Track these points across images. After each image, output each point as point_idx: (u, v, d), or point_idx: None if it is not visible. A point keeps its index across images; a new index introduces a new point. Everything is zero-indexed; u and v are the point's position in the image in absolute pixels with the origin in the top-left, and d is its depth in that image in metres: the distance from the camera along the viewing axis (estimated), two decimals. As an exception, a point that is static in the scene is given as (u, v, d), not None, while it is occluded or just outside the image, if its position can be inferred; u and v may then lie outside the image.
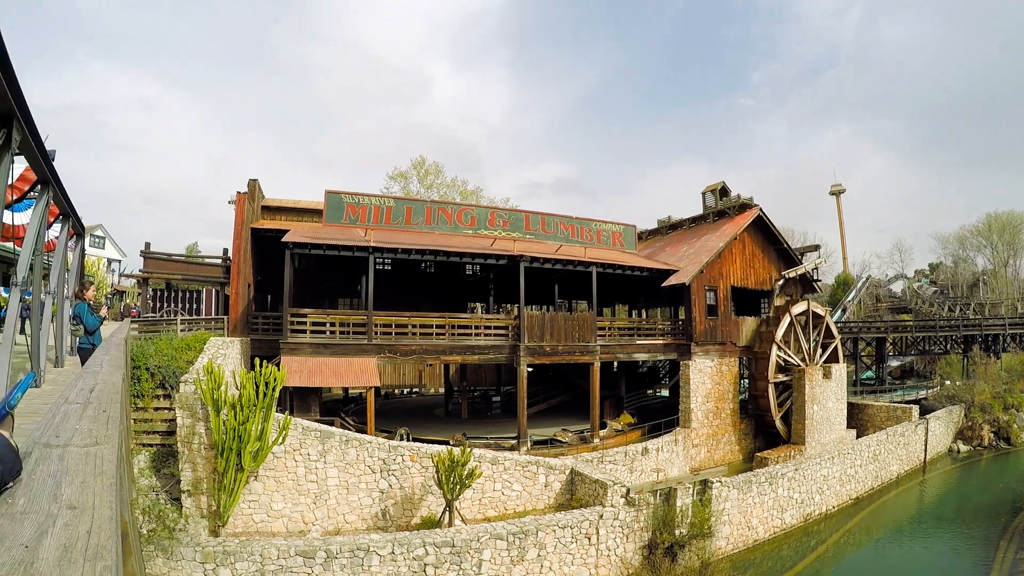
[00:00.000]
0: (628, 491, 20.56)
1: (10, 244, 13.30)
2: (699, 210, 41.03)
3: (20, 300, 9.58)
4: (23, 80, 7.22)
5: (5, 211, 9.47)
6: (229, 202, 33.34)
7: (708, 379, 33.32)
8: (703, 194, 40.75)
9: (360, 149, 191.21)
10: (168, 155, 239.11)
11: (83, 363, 12.81)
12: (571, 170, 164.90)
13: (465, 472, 18.97)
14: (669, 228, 43.69)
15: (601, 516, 19.63)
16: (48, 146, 11.17)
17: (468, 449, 19.55)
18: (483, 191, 68.27)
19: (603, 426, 30.73)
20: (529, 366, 29.10)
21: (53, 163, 12.20)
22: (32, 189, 11.97)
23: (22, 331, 13.90)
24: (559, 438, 28.76)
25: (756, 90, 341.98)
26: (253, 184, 31.95)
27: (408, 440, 24.17)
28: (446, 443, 23.00)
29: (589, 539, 19.29)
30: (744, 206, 37.17)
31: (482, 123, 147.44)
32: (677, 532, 20.62)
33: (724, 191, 39.65)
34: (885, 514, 29.85)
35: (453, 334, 27.95)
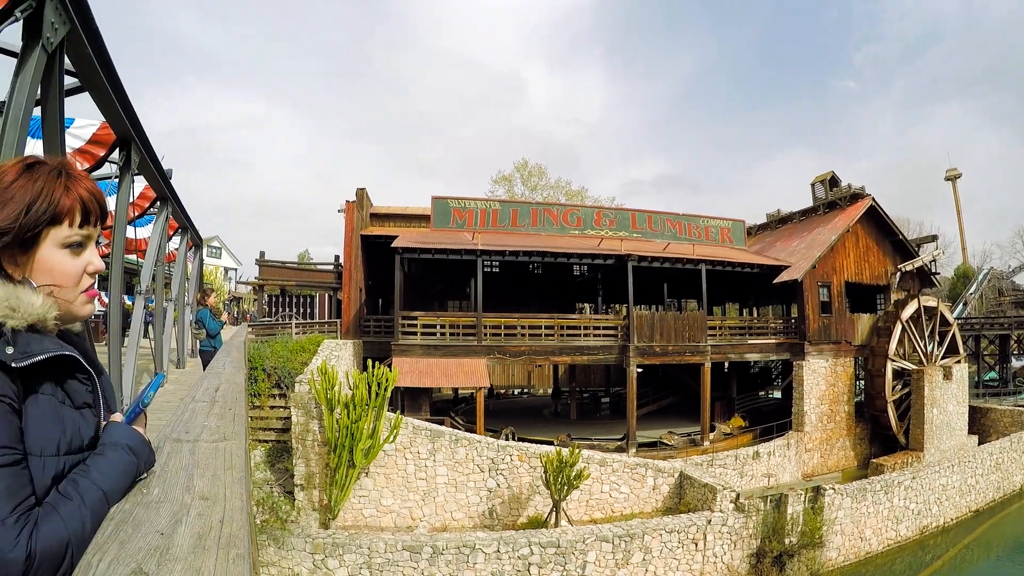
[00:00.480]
0: (737, 496, 19.93)
1: (133, 256, 13.97)
2: (808, 202, 38.80)
3: (144, 307, 10.20)
4: (138, 107, 8.13)
5: (128, 226, 10.18)
6: (339, 211, 34.17)
7: (822, 380, 31.68)
8: (812, 185, 38.64)
9: (462, 154, 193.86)
10: (277, 169, 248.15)
11: (205, 365, 13.43)
12: (672, 165, 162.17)
13: (573, 473, 18.75)
14: (778, 222, 41.84)
15: (709, 521, 19.07)
16: (165, 165, 11.94)
17: (577, 450, 19.33)
18: (587, 191, 67.67)
19: (712, 429, 29.87)
20: (638, 367, 28.68)
21: (170, 181, 13.00)
22: (152, 205, 12.87)
23: (146, 335, 14.60)
24: (665, 441, 28.22)
25: (859, 72, 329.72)
26: (361, 193, 32.76)
27: (513, 439, 24.18)
28: (551, 443, 22.87)
29: (696, 544, 18.79)
30: (855, 196, 35.08)
31: (579, 122, 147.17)
32: (787, 541, 19.83)
33: (834, 181, 37.56)
34: (1006, 529, 27.46)
35: (562, 335, 27.73)
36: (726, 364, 36.17)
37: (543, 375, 44.82)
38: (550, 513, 19.61)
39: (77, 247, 1.54)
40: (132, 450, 1.59)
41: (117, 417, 1.67)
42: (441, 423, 23.61)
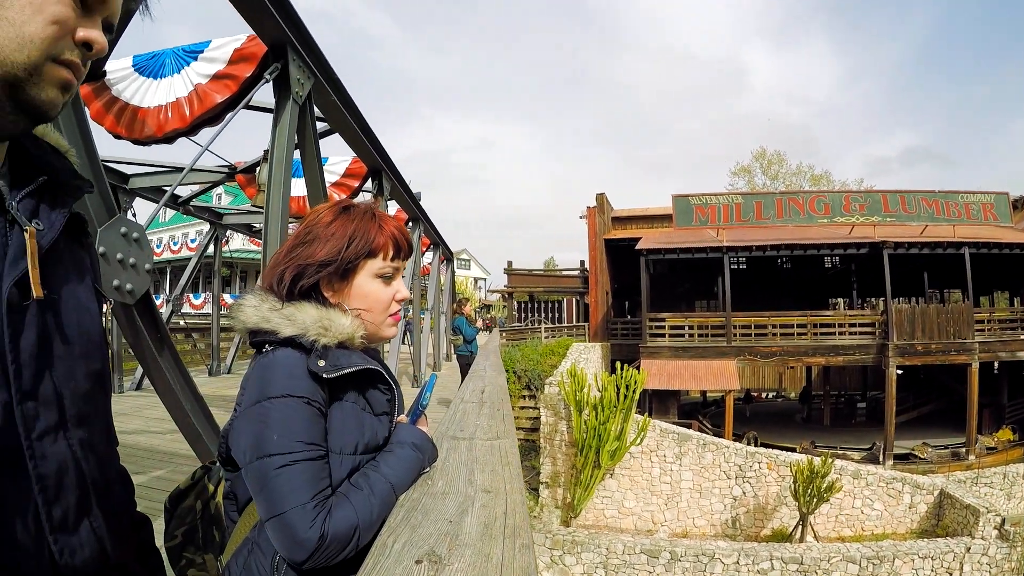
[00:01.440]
0: (1003, 521, 16.96)
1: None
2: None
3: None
4: (384, 140, 9.17)
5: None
6: (580, 217, 34.59)
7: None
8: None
9: (692, 149, 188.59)
10: (513, 181, 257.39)
11: (461, 368, 14.35)
12: (918, 137, 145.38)
13: (824, 485, 17.44)
14: (1052, 190, 35.80)
15: (968, 549, 16.55)
16: (413, 188, 12.97)
17: (829, 460, 18.00)
18: (830, 174, 62.76)
19: (974, 442, 25.85)
20: (898, 368, 25.69)
21: (419, 202, 14.05)
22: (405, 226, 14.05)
23: (403, 342, 15.79)
24: (917, 453, 24.95)
25: None
26: (601, 197, 33.06)
27: (755, 445, 23.19)
28: (793, 450, 21.74)
29: (950, 574, 16.54)
30: None
31: (809, 101, 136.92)
32: (1059, 580, 16.73)
33: None
34: None
35: (815, 333, 25.87)
36: (995, 365, 30.11)
37: (795, 377, 42.17)
38: (796, 526, 18.46)
39: (387, 278, 1.81)
40: (417, 447, 1.80)
41: (402, 419, 1.92)
42: (689, 426, 23.10)
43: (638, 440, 18.70)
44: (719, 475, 19.51)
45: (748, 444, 22.14)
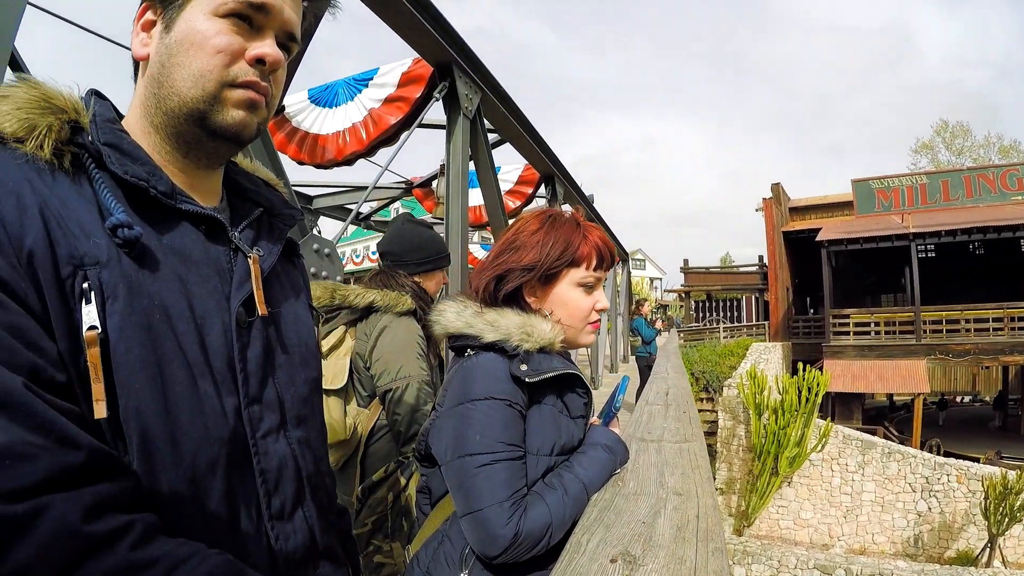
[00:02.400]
0: None
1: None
2: None
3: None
4: (554, 146, 9.35)
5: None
6: (756, 210, 33.66)
7: None
8: None
9: (865, 129, 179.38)
10: (681, 178, 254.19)
11: (640, 369, 14.31)
12: None
13: (1018, 503, 15.49)
14: None
15: None
16: (585, 191, 13.13)
17: None
18: (1020, 143, 56.04)
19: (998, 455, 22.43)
20: None
21: (593, 205, 14.18)
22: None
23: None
24: None
25: None
26: (777, 188, 31.99)
27: (939, 453, 21.23)
28: (977, 460, 19.67)
29: None
30: None
31: (986, 63, 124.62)
32: None
33: None
34: None
35: (1012, 328, 23.13)
36: None
37: (990, 379, 38.25)
38: (983, 549, 16.47)
39: (589, 287, 1.84)
40: (610, 448, 1.83)
41: (595, 421, 1.97)
42: (873, 433, 21.49)
43: (819, 447, 17.73)
44: (903, 487, 18.01)
45: (930, 451, 20.50)
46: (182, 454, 0.97)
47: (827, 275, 26.30)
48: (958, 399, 39.19)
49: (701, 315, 42.87)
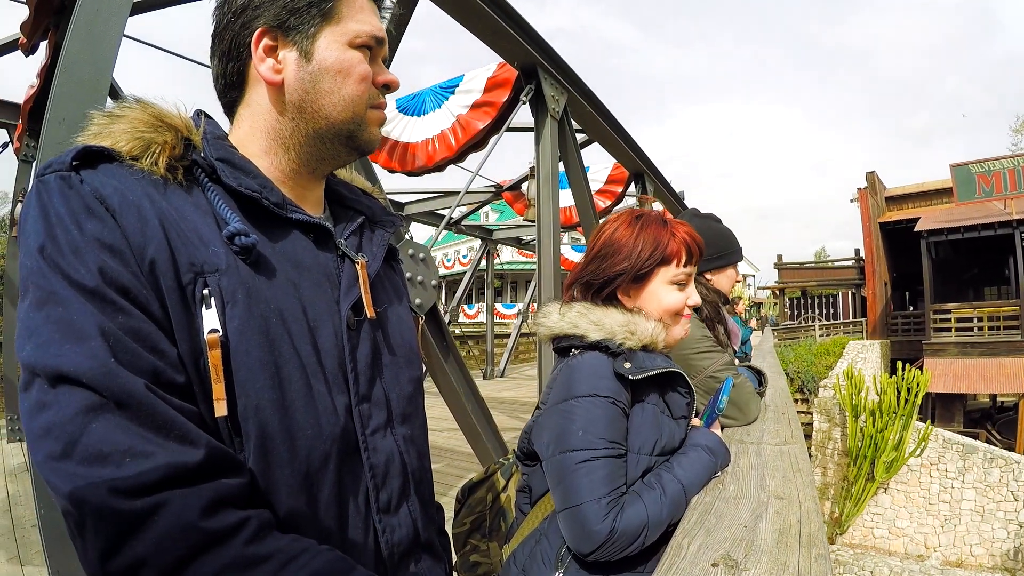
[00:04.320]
0: None
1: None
2: None
3: None
4: (643, 143, 9.41)
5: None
6: (851, 200, 32.78)
7: None
8: None
9: (954, 110, 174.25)
10: (771, 172, 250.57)
11: (739, 370, 14.28)
12: None
13: None
14: None
15: None
16: (676, 187, 13.15)
17: None
18: None
19: None
20: None
21: (683, 201, 14.28)
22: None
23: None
24: None
25: None
26: (872, 177, 31.16)
27: None
28: None
29: None
30: None
31: None
32: None
33: None
34: None
35: None
36: None
37: None
38: None
39: (681, 284, 1.87)
40: (711, 450, 1.85)
41: (696, 422, 1.99)
42: (975, 437, 20.59)
43: (918, 451, 16.95)
44: (1005, 495, 16.91)
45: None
46: (296, 450, 1.03)
47: (927, 267, 25.57)
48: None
49: (796, 313, 42.00)
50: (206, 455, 0.88)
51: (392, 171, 8.69)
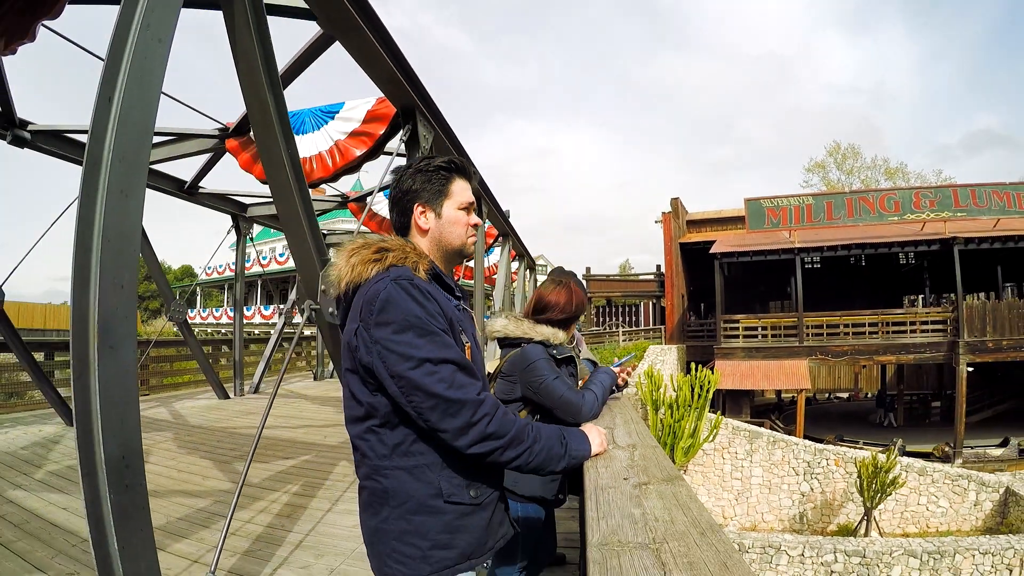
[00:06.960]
0: None
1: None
2: None
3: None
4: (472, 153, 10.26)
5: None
6: (656, 222, 35.25)
7: None
8: None
9: (757, 147, 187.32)
10: (577, 188, 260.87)
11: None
12: (989, 121, 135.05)
13: (888, 479, 17.64)
14: None
15: None
16: (503, 206, 14.55)
17: (894, 455, 18.04)
18: (906, 166, 58.21)
19: (1005, 443, 24.72)
20: (970, 365, 25.28)
21: (509, 220, 15.72)
22: (496, 241, 16.66)
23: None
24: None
25: None
26: (675, 202, 33.95)
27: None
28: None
29: (1011, 571, 15.85)
30: None
31: (876, 90, 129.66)
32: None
33: None
34: None
35: (886, 332, 25.93)
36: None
37: (871, 377, 41.24)
38: (860, 522, 18.69)
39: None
40: (606, 372, 3.61)
41: (616, 370, 3.95)
42: (761, 426, 23.38)
43: (711, 437, 18.83)
44: (788, 471, 19.95)
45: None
46: (478, 379, 1.95)
47: (719, 284, 28.34)
48: (848, 396, 41.47)
49: (602, 319, 44.03)
50: (482, 384, 1.93)
51: (265, 182, 8.37)
